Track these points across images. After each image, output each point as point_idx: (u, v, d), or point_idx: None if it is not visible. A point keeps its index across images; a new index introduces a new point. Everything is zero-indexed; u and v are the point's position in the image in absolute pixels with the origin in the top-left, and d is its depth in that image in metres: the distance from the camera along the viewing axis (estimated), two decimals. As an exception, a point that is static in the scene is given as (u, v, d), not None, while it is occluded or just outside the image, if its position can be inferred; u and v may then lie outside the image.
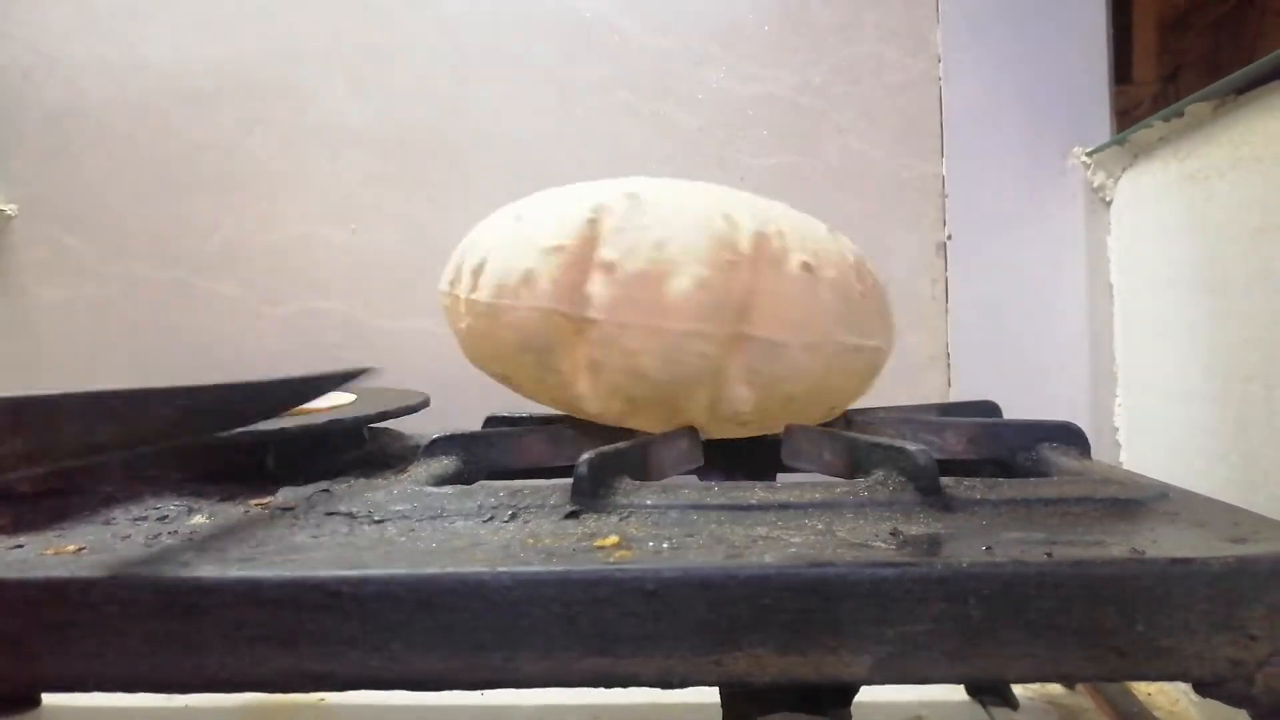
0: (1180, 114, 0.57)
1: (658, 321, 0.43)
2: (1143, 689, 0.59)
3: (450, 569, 0.29)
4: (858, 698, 0.34)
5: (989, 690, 0.58)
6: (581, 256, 0.44)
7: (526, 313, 0.44)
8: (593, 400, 0.47)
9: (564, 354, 0.45)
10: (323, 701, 0.60)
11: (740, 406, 0.45)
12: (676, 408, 0.46)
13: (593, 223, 0.45)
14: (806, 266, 0.45)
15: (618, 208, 0.46)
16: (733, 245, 0.44)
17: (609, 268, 0.44)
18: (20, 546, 0.33)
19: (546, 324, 0.44)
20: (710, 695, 0.35)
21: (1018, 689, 0.59)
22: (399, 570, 0.29)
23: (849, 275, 0.47)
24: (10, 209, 0.80)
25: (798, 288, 0.45)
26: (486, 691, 0.29)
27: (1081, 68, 0.73)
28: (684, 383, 0.44)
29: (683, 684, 0.29)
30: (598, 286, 0.43)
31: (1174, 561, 0.28)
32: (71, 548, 0.33)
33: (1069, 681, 0.58)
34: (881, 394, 0.55)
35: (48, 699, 0.58)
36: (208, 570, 0.30)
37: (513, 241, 0.47)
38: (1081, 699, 0.59)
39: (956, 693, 0.59)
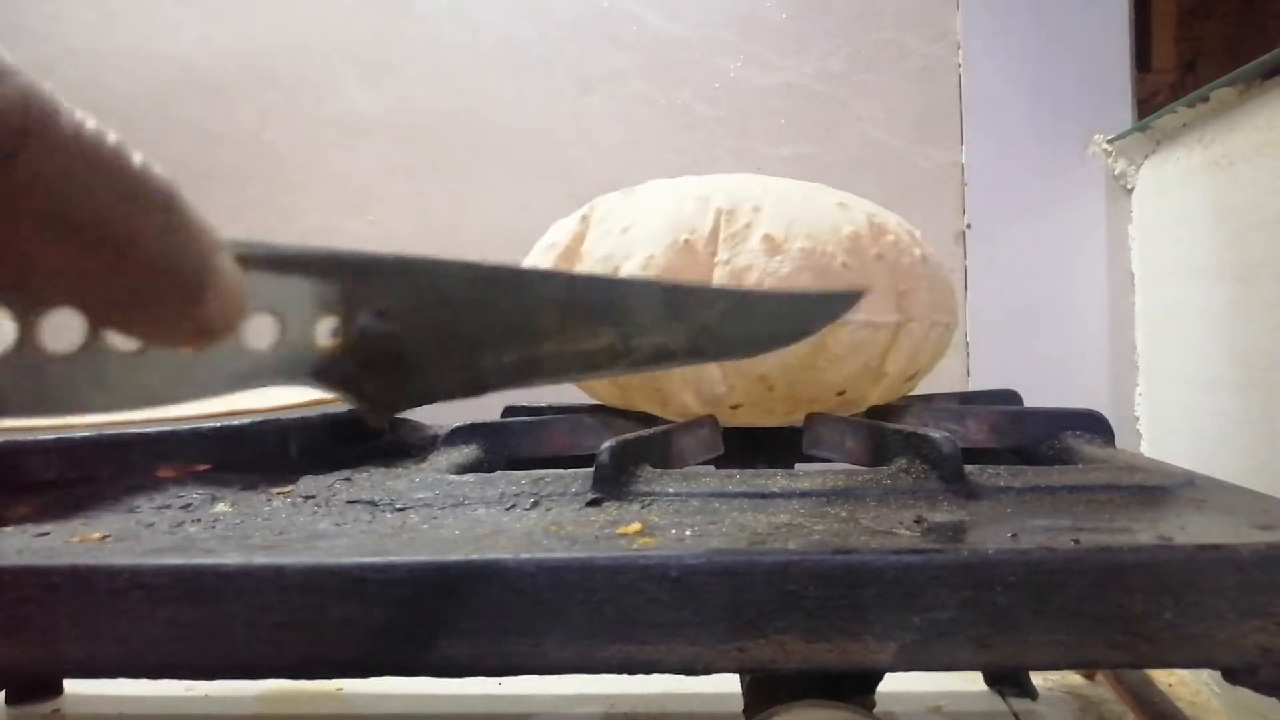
0: (1205, 99, 0.57)
1: None
2: (1164, 679, 0.58)
3: (473, 556, 0.29)
4: (877, 689, 0.34)
5: (1008, 680, 0.58)
6: (570, 251, 0.47)
7: None
8: (600, 386, 0.50)
9: None
10: (341, 690, 0.60)
11: (716, 388, 0.46)
12: (664, 391, 0.47)
13: (584, 219, 0.48)
14: (768, 239, 0.44)
15: (609, 201, 0.48)
16: (691, 226, 0.45)
17: (582, 259, 0.46)
18: (46, 534, 0.33)
19: None
20: (731, 684, 0.35)
21: (1037, 679, 0.59)
22: (422, 558, 0.29)
23: (830, 247, 0.45)
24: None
25: (758, 261, 0.44)
26: (504, 680, 0.29)
27: (1102, 54, 0.73)
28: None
29: (706, 670, 0.29)
30: None
31: (1202, 548, 0.28)
32: (96, 535, 0.33)
33: (1096, 669, 0.58)
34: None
35: (70, 685, 0.58)
36: (231, 557, 0.30)
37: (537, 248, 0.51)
38: (1102, 689, 0.59)
39: (975, 683, 0.59)
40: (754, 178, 0.50)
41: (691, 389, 0.46)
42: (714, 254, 0.44)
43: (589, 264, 0.46)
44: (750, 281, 0.44)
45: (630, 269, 0.44)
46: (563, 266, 0.46)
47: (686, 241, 0.44)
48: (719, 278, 0.44)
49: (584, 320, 0.27)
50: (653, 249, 0.44)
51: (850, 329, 0.44)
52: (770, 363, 0.44)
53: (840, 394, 0.47)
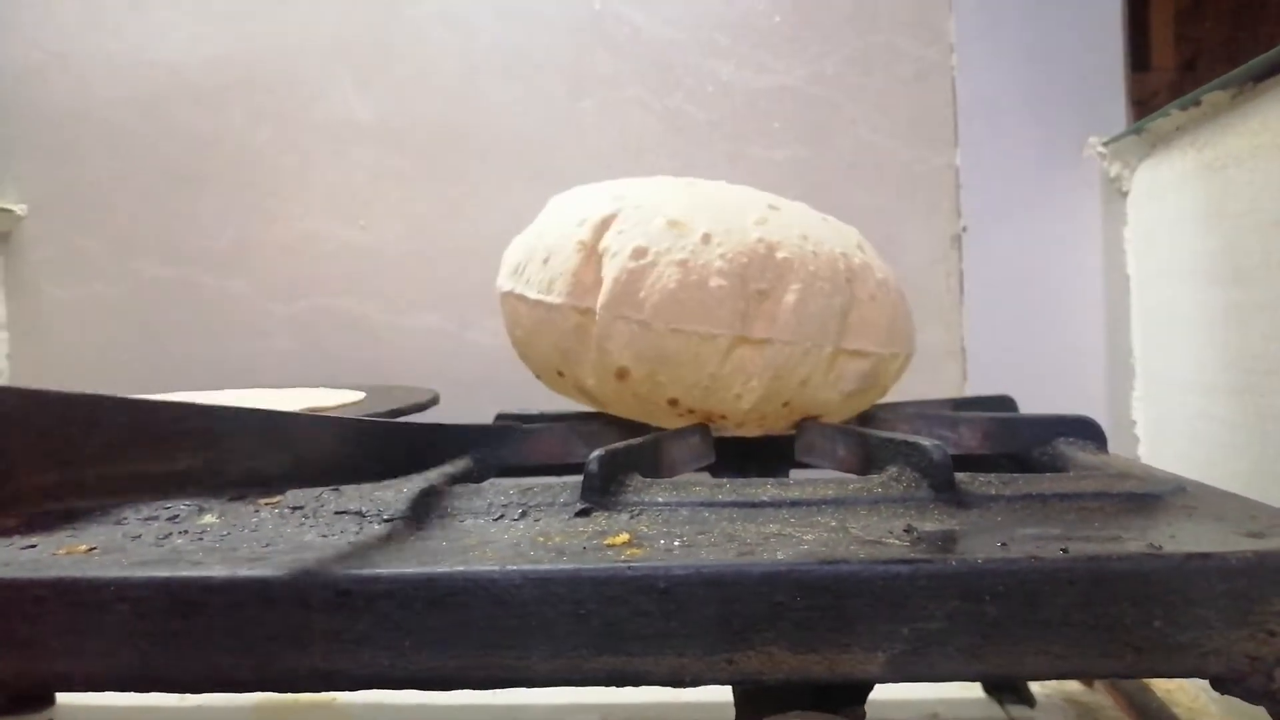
0: (1198, 103, 0.56)
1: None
2: (1162, 686, 0.58)
3: (460, 567, 0.29)
4: (873, 695, 0.34)
5: (1006, 688, 0.58)
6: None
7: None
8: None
9: None
10: (335, 701, 0.60)
11: (602, 386, 0.47)
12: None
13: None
14: (637, 252, 0.44)
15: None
16: (585, 225, 0.46)
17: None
18: (33, 546, 0.33)
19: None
20: (723, 694, 0.35)
21: (1035, 687, 0.58)
22: (409, 569, 0.29)
23: (705, 258, 0.44)
24: (20, 209, 0.81)
25: (625, 274, 0.44)
26: (497, 691, 0.29)
27: (1097, 57, 0.73)
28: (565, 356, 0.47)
29: (694, 682, 0.28)
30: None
31: (1191, 556, 0.28)
32: (83, 547, 0.33)
33: (1085, 678, 0.58)
34: (896, 388, 0.54)
35: (62, 698, 0.58)
36: (218, 569, 0.30)
37: None
38: (1100, 696, 0.58)
39: (973, 690, 0.59)
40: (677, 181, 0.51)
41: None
42: (600, 264, 0.45)
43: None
44: (621, 261, 0.44)
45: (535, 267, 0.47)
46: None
47: (580, 244, 0.46)
48: (608, 265, 0.45)
49: (152, 445, 0.25)
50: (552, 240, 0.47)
51: (533, 306, 0.47)
52: (626, 351, 0.45)
53: (560, 374, 0.49)
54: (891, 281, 0.49)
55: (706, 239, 0.44)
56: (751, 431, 0.48)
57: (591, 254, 0.45)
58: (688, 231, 0.44)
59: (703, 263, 0.43)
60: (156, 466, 0.25)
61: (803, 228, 0.47)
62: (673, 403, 0.46)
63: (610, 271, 0.44)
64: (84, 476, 0.23)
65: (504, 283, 0.50)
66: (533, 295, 0.47)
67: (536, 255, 0.47)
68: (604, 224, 0.46)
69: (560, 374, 0.48)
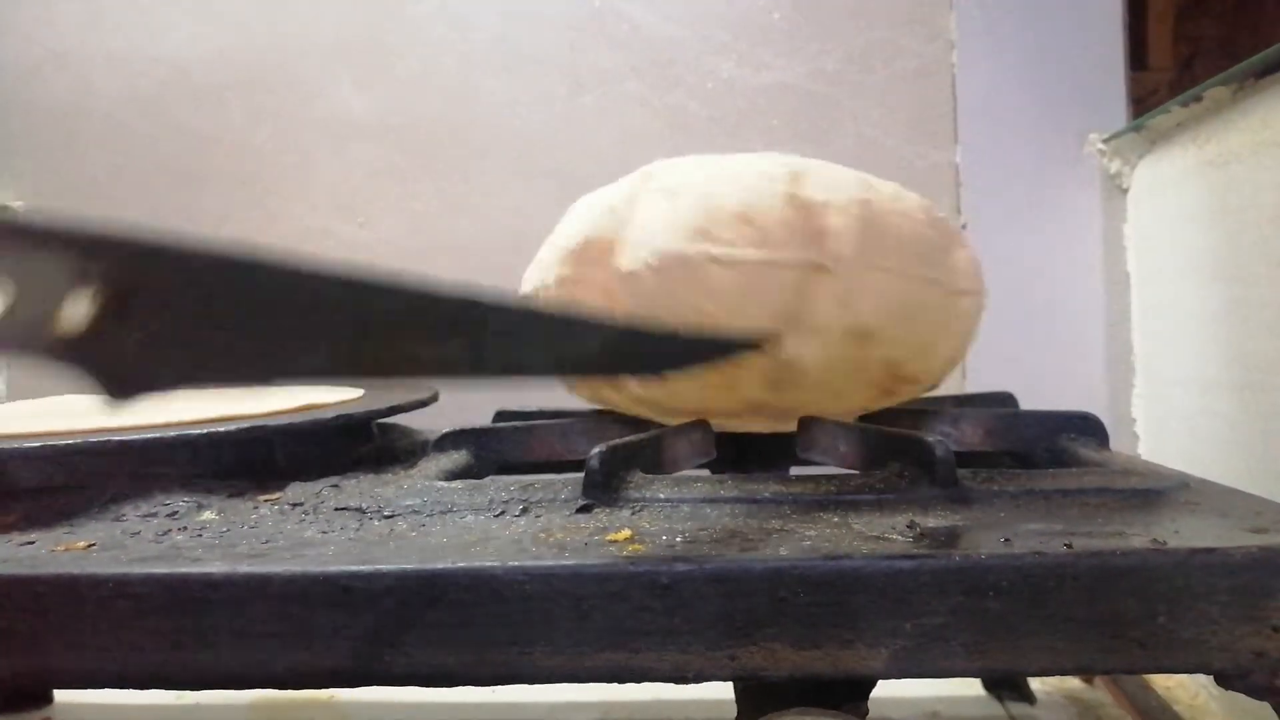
0: (1199, 99, 0.56)
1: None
2: (1162, 682, 0.58)
3: (461, 564, 0.29)
4: (874, 693, 0.34)
5: (1006, 685, 0.58)
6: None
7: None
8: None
9: None
10: (333, 698, 0.60)
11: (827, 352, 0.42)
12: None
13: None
14: (665, 190, 0.42)
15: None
16: (619, 193, 0.44)
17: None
18: (31, 543, 0.33)
19: None
20: (725, 690, 0.35)
21: (1035, 683, 0.58)
22: (410, 565, 0.29)
23: (726, 188, 0.41)
24: (17, 205, 0.81)
25: (655, 209, 0.42)
26: (498, 687, 0.29)
27: (1097, 53, 0.72)
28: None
29: (697, 678, 0.28)
30: None
31: (1195, 552, 0.28)
32: (81, 544, 0.32)
33: (1089, 674, 0.58)
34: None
35: (60, 695, 0.58)
36: (217, 566, 0.29)
37: None
38: (1100, 693, 0.58)
39: (973, 688, 0.59)
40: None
41: None
42: (626, 219, 0.42)
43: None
44: (647, 233, 0.41)
45: (558, 244, 0.44)
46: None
47: (610, 209, 0.43)
48: (626, 237, 0.42)
49: (428, 329, 0.26)
50: (580, 218, 0.44)
51: (741, 269, 0.39)
52: (669, 314, 0.40)
53: (892, 367, 0.42)
54: None
55: (897, 194, 0.42)
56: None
57: (799, 204, 0.40)
58: (875, 185, 0.42)
59: (904, 210, 0.41)
60: (427, 351, 0.26)
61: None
62: (892, 367, 0.42)
63: (836, 220, 0.40)
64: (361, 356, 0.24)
65: (692, 249, 0.40)
66: (742, 254, 0.39)
67: (726, 213, 0.40)
68: (796, 179, 0.41)
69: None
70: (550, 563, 0.29)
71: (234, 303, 0.23)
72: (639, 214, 0.42)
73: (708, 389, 0.43)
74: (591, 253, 0.43)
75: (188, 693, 0.58)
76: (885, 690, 0.33)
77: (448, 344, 0.26)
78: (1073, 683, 0.59)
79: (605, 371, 0.36)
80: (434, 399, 0.57)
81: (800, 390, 0.43)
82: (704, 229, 0.40)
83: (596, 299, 0.42)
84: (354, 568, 0.29)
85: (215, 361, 0.24)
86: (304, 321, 0.24)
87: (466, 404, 0.60)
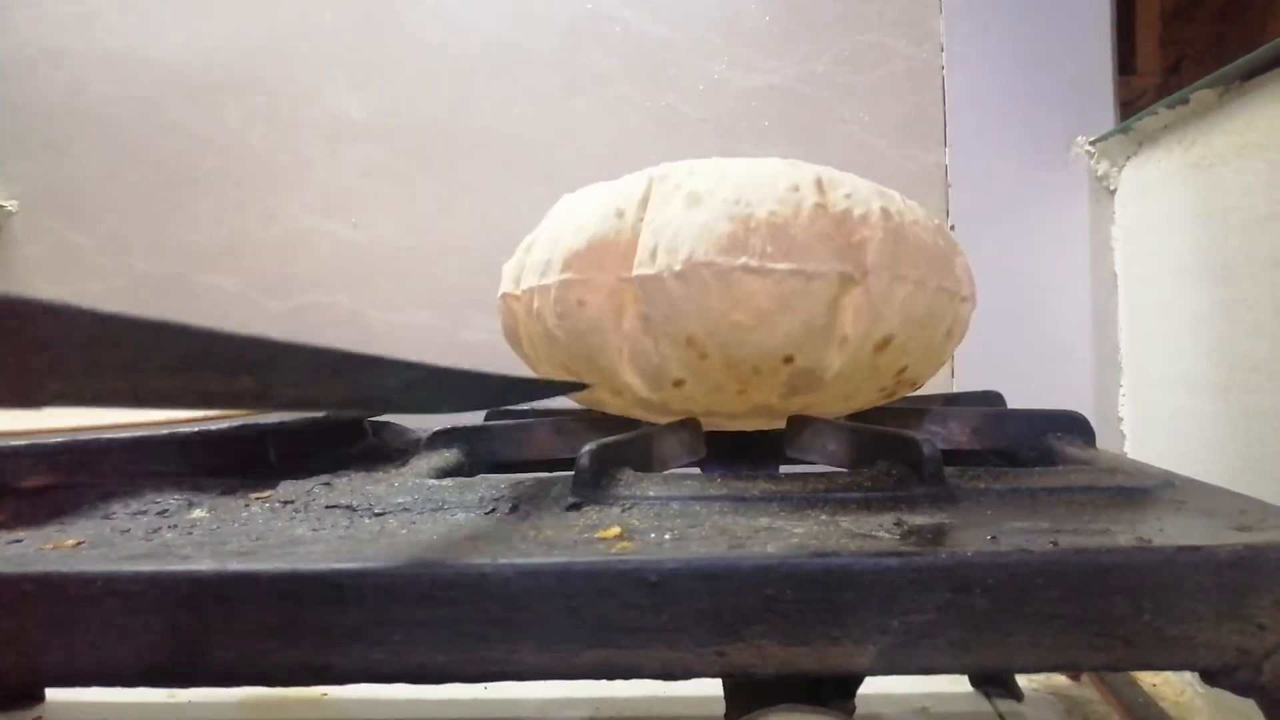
0: (1185, 101, 0.57)
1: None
2: (1148, 680, 0.59)
3: (451, 561, 0.29)
4: (864, 690, 0.34)
5: (994, 682, 0.58)
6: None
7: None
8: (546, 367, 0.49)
9: None
10: (326, 696, 0.60)
11: (651, 359, 0.42)
12: (604, 368, 0.44)
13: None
14: (691, 195, 0.41)
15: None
16: (623, 194, 0.44)
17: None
18: (19, 541, 0.33)
19: None
20: (714, 687, 0.35)
21: (1022, 680, 0.59)
22: (399, 563, 0.29)
23: (755, 196, 0.41)
24: (11, 205, 0.80)
25: (676, 217, 0.41)
26: (490, 684, 0.29)
27: (1085, 56, 0.73)
28: (596, 341, 0.43)
29: (685, 675, 0.28)
30: None
31: (1180, 549, 0.28)
32: (70, 542, 0.32)
33: (1075, 671, 0.58)
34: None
35: (52, 694, 0.58)
36: (206, 564, 0.29)
37: None
38: (1087, 690, 0.59)
39: (961, 685, 0.59)
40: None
41: (629, 363, 0.43)
42: (641, 219, 0.42)
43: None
44: (669, 238, 0.40)
45: (560, 245, 0.43)
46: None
47: (618, 211, 0.43)
48: (643, 241, 0.41)
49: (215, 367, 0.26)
50: (583, 219, 0.43)
51: (774, 279, 0.39)
52: (692, 321, 0.40)
53: (788, 360, 0.41)
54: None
55: (905, 203, 0.44)
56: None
57: (829, 215, 0.40)
58: (887, 194, 0.43)
59: (914, 220, 0.43)
60: (216, 385, 0.25)
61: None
62: (901, 372, 0.44)
63: (866, 232, 0.40)
64: (145, 388, 0.24)
65: (723, 259, 0.39)
66: (779, 266, 0.39)
67: (758, 223, 0.40)
68: (819, 187, 0.41)
69: (788, 360, 0.41)
70: (538, 560, 0.29)
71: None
72: (657, 218, 0.42)
73: (721, 395, 0.43)
74: (597, 255, 0.42)
75: (180, 690, 0.58)
76: (875, 687, 0.34)
77: (238, 379, 0.26)
78: (1060, 680, 0.60)
79: (408, 409, 0.36)
80: (425, 398, 0.57)
81: (813, 395, 0.44)
82: (736, 237, 0.40)
83: (602, 302, 0.42)
84: (343, 565, 0.29)
85: None
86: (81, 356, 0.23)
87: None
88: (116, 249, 0.80)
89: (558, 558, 0.29)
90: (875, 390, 0.46)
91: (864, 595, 0.28)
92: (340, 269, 0.79)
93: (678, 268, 0.40)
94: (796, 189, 0.41)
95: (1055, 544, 0.28)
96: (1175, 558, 0.28)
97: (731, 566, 0.28)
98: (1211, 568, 0.28)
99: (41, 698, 0.58)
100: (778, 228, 0.40)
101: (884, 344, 0.41)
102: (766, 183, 0.41)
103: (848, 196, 0.41)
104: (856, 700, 0.34)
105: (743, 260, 0.39)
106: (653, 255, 0.41)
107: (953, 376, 0.74)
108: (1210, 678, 0.29)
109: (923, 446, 0.36)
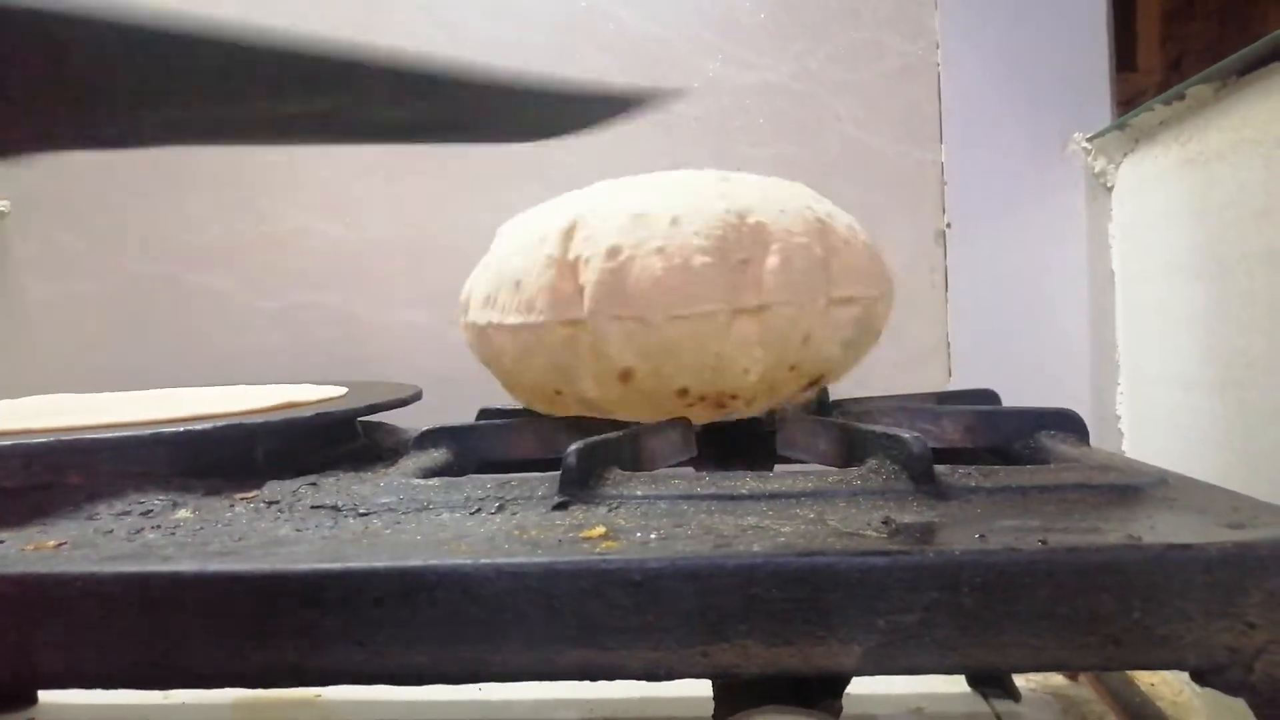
0: (1181, 97, 0.56)
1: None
2: (1145, 679, 0.58)
3: (433, 561, 0.29)
4: (859, 690, 0.34)
5: (990, 682, 0.58)
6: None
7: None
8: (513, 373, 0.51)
9: None
10: (319, 698, 0.59)
11: (606, 393, 0.46)
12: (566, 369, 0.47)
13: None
14: (612, 251, 0.44)
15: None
16: (549, 241, 0.46)
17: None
18: (1, 542, 0.33)
19: None
20: (705, 688, 0.35)
21: (1019, 680, 0.58)
22: (381, 563, 0.29)
23: (681, 240, 0.43)
24: (3, 205, 0.80)
25: (606, 274, 0.44)
26: (483, 686, 0.29)
27: (1081, 52, 0.72)
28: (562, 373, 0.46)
29: (669, 676, 0.28)
30: None
31: (1170, 547, 0.28)
32: (51, 543, 0.32)
33: (1064, 670, 0.58)
34: (881, 383, 0.54)
35: (44, 697, 0.58)
36: (187, 564, 0.29)
37: None
38: (1084, 690, 0.58)
39: (957, 684, 0.58)
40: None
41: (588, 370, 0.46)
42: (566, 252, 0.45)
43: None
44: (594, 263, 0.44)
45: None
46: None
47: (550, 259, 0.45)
48: (585, 271, 0.44)
49: (291, 85, 0.24)
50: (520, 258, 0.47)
51: (683, 323, 0.43)
52: (626, 351, 0.44)
53: (682, 392, 0.45)
54: (855, 224, 0.50)
55: (676, 222, 0.43)
56: (765, 407, 0.48)
57: (564, 266, 0.45)
58: (655, 220, 0.44)
59: (679, 244, 0.43)
60: (290, 108, 0.24)
61: (762, 190, 0.47)
62: (682, 393, 0.45)
63: (590, 276, 0.43)
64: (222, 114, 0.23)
65: (477, 317, 0.48)
66: (513, 320, 0.46)
67: (506, 282, 0.47)
68: (568, 234, 0.45)
69: (558, 392, 0.48)
70: (522, 559, 0.28)
71: (86, 63, 0.21)
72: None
73: (657, 411, 0.46)
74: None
75: (173, 692, 0.58)
76: (870, 687, 0.33)
77: (312, 101, 0.25)
78: (1057, 679, 0.59)
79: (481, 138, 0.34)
80: (416, 397, 0.57)
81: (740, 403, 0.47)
82: (491, 297, 0.48)
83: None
84: (325, 566, 0.29)
85: (67, 125, 0.22)
86: (161, 80, 0.22)
87: (451, 403, 0.60)
88: (108, 249, 0.80)
89: (541, 557, 0.29)
90: (785, 386, 0.47)
91: (850, 594, 0.28)
92: (333, 268, 0.78)
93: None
94: (542, 241, 0.46)
95: (1044, 542, 0.28)
96: (1165, 556, 0.28)
97: (716, 565, 0.28)
98: (1201, 566, 0.27)
99: (34, 699, 0.57)
100: (518, 286, 0.46)
101: (627, 375, 0.45)
102: (532, 239, 0.46)
103: (587, 239, 0.44)
104: (851, 700, 0.34)
105: (490, 319, 0.47)
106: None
107: (949, 374, 0.74)
108: (1200, 677, 0.28)
109: (912, 444, 0.35)
